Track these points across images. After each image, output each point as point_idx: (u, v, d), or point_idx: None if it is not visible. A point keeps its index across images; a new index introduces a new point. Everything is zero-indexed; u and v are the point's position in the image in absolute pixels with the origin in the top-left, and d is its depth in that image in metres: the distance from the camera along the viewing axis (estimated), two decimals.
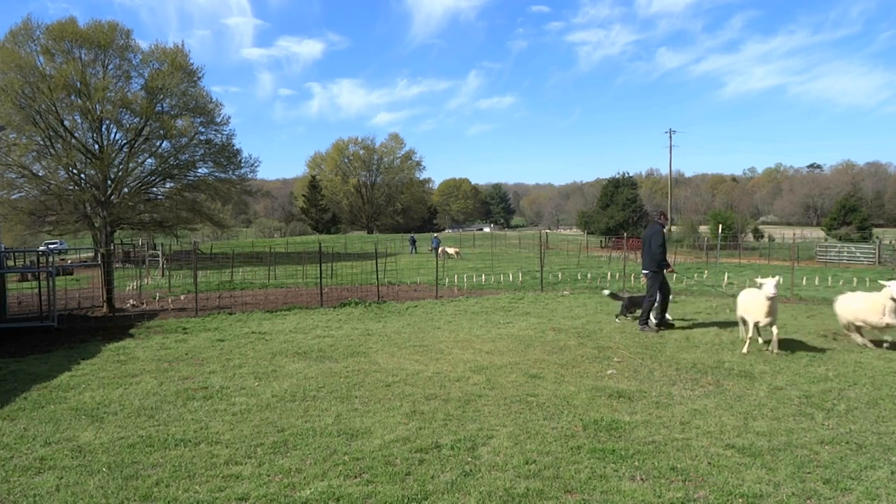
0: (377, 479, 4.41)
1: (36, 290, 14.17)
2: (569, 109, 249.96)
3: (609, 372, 7.45)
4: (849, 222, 55.59)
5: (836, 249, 36.55)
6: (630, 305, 11.14)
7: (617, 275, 21.08)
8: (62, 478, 4.54)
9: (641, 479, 4.34)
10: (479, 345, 9.30)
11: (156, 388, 7.02)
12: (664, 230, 10.67)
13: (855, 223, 55.07)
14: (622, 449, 4.87)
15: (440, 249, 33.89)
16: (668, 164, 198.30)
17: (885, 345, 8.61)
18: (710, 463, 4.61)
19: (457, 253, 37.79)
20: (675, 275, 10.73)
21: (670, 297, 10.78)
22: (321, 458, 4.80)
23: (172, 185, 34.79)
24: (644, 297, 10.53)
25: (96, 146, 30.56)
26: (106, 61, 30.54)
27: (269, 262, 28.08)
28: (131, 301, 15.97)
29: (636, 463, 4.62)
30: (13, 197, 30.69)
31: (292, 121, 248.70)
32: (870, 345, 8.71)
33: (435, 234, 53.15)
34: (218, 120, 34.13)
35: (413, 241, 46.77)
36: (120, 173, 30.75)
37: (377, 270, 17.89)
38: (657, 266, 10.26)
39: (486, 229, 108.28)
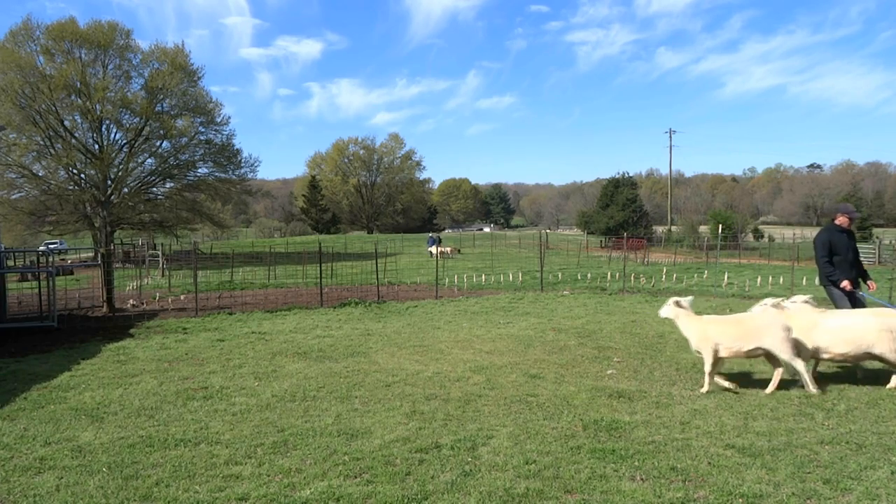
0: (377, 479, 4.41)
1: (36, 290, 14.17)
2: (568, 109, 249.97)
3: (609, 372, 7.46)
4: None
5: None
6: None
7: (617, 275, 21.08)
8: (62, 478, 4.54)
9: (641, 479, 4.34)
10: (479, 345, 9.30)
11: (156, 388, 7.02)
12: (838, 231, 7.98)
13: (855, 223, 55.05)
14: (622, 449, 4.87)
15: (438, 249, 33.81)
16: (668, 164, 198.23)
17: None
18: (710, 463, 4.61)
19: (450, 251, 37.69)
20: (857, 292, 7.71)
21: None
22: (321, 458, 4.80)
23: (172, 185, 34.81)
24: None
25: (96, 146, 30.57)
26: (106, 61, 30.56)
27: (269, 262, 28.07)
28: (131, 301, 15.97)
29: (636, 463, 4.62)
30: (13, 197, 30.72)
31: (291, 120, 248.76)
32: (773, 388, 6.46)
33: (431, 234, 52.62)
34: (218, 120, 34.18)
35: (438, 241, 45.03)
36: (120, 173, 30.76)
37: (377, 270, 17.89)
38: (827, 279, 7.89)
39: (486, 229, 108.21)
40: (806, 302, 7.20)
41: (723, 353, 6.58)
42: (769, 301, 7.04)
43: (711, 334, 6.58)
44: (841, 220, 8.03)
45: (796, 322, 6.62)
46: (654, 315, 12.03)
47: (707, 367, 6.58)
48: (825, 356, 6.66)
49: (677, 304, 7.02)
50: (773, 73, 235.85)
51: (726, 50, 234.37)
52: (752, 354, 6.59)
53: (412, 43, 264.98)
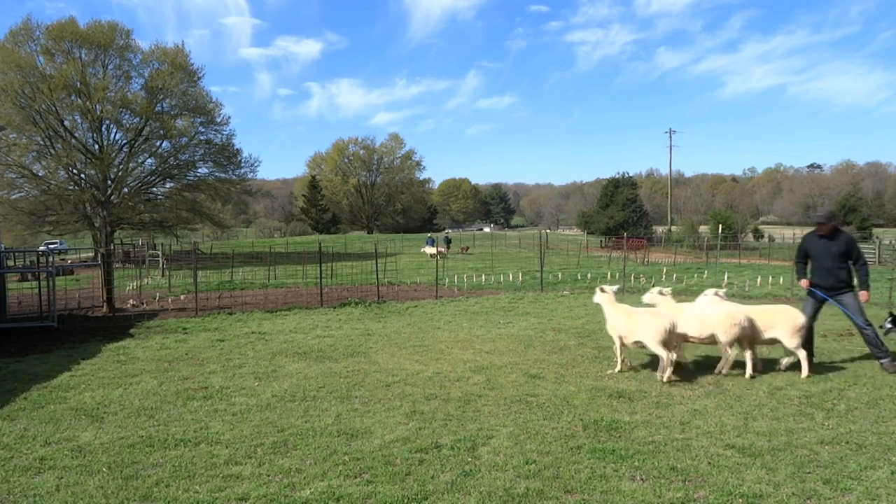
0: (377, 479, 4.41)
1: (36, 290, 14.17)
2: (568, 109, 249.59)
3: (609, 372, 7.46)
4: (849, 222, 55.59)
5: None
6: None
7: (617, 275, 21.08)
8: (62, 478, 4.54)
9: (641, 479, 4.34)
10: (479, 345, 9.30)
11: (156, 388, 7.02)
12: (816, 237, 7.87)
13: (855, 223, 55.07)
14: (622, 449, 4.87)
15: (437, 249, 33.59)
16: (668, 164, 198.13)
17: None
18: (710, 463, 4.61)
19: (440, 253, 37.15)
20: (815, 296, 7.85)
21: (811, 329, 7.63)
22: (321, 458, 4.81)
23: (172, 185, 34.85)
24: None
25: (96, 146, 30.60)
26: (106, 61, 30.60)
27: (269, 262, 28.06)
28: (131, 301, 15.97)
29: (636, 463, 4.62)
30: (13, 197, 30.76)
31: (291, 121, 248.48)
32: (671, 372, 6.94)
33: (430, 235, 52.49)
34: (218, 120, 34.24)
35: (448, 241, 45.02)
36: (120, 173, 30.79)
37: (377, 270, 17.89)
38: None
39: (486, 229, 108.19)
40: (716, 294, 7.96)
41: (627, 342, 7.44)
42: (655, 290, 8.16)
43: (618, 324, 7.48)
44: (820, 224, 7.94)
45: (668, 312, 7.46)
46: None
47: (616, 349, 7.60)
48: (690, 340, 7.58)
49: (601, 290, 7.91)
50: (773, 73, 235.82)
51: (726, 50, 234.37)
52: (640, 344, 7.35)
53: (412, 43, 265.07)
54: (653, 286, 10.52)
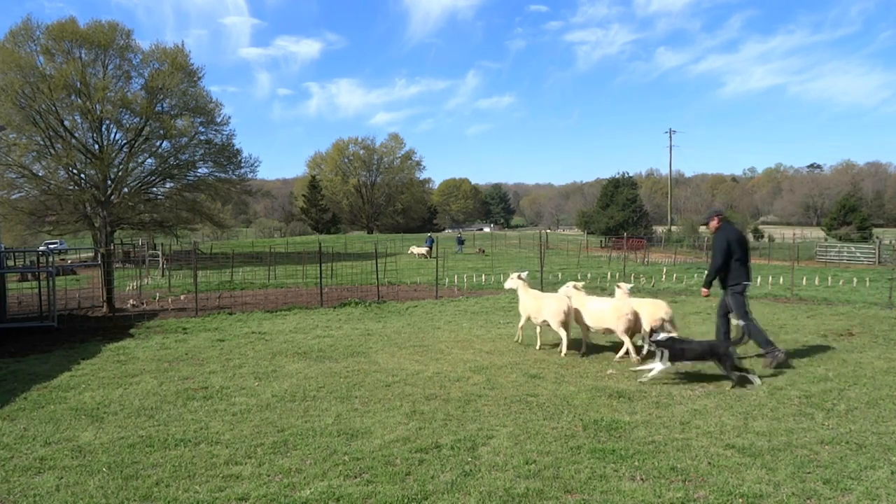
0: (377, 479, 4.42)
1: (36, 290, 14.17)
2: (568, 109, 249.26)
3: (609, 372, 7.46)
4: (849, 222, 55.53)
5: (837, 249, 36.59)
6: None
7: (617, 275, 21.07)
8: (62, 478, 4.54)
9: (641, 479, 4.34)
10: (479, 345, 9.30)
11: (156, 388, 7.02)
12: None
13: (855, 223, 55.00)
14: (622, 449, 4.87)
15: (425, 250, 33.23)
16: (668, 164, 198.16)
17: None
18: (710, 463, 4.61)
19: (427, 253, 36.63)
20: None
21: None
22: (321, 458, 4.81)
23: (172, 185, 34.87)
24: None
25: (96, 146, 30.61)
26: (106, 61, 30.61)
27: (269, 262, 28.06)
28: (131, 301, 15.97)
29: (636, 463, 4.62)
30: (13, 197, 30.76)
31: (291, 121, 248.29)
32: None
33: (430, 235, 52.42)
34: (218, 120, 34.25)
35: (461, 241, 44.50)
36: (120, 173, 30.80)
37: (377, 270, 17.90)
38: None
39: (486, 229, 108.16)
40: (619, 287, 8.93)
41: (536, 322, 8.73)
42: (570, 283, 9.11)
43: (528, 306, 8.84)
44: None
45: (577, 303, 8.60)
46: None
47: (520, 323, 9.22)
48: (592, 330, 8.58)
49: (518, 276, 9.28)
50: (773, 73, 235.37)
51: (726, 50, 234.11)
52: (547, 325, 8.62)
53: (411, 43, 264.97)
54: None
